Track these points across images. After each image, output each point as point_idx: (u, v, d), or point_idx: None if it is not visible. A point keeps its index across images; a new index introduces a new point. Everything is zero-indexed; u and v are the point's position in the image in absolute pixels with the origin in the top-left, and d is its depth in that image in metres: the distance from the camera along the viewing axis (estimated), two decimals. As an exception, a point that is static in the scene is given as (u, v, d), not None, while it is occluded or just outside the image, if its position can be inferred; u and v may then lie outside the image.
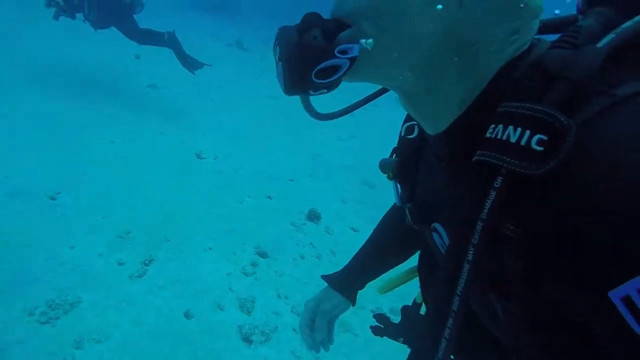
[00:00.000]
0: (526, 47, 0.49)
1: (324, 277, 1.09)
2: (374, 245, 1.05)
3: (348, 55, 0.48)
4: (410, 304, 1.05)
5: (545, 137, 0.38)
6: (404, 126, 0.73)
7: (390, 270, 1.06)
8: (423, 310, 0.98)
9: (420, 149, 0.70)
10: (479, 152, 0.44)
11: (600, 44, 0.41)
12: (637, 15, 0.42)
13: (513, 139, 0.41)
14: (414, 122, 0.71)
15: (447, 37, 0.47)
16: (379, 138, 5.11)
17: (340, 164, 4.58)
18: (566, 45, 0.43)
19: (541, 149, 0.38)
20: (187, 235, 2.80)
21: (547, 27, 0.53)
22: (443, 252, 0.65)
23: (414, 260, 1.03)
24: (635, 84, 0.39)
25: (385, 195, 2.09)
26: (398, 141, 0.75)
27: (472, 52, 0.48)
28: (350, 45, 0.48)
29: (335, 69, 0.49)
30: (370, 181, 4.27)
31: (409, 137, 0.72)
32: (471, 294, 0.45)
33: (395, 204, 1.01)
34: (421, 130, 0.60)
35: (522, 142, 0.40)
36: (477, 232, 0.43)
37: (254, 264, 2.71)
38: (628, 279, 0.33)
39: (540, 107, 0.39)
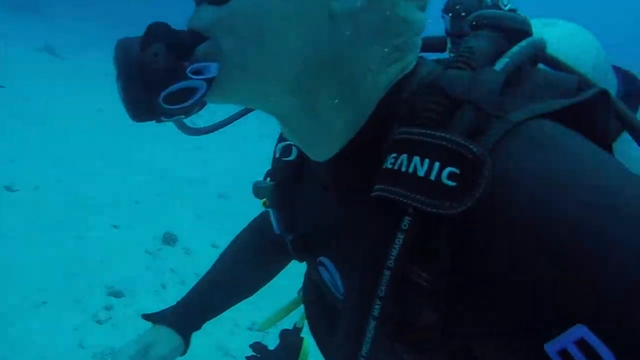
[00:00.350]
0: (412, 66, 0.46)
1: (148, 316, 0.86)
2: (225, 274, 0.89)
3: (203, 76, 0.41)
4: (291, 327, 0.99)
5: (457, 170, 0.34)
6: (279, 146, 0.66)
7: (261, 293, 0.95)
8: (304, 332, 0.90)
9: (300, 172, 0.64)
10: (378, 186, 0.39)
11: (497, 67, 0.39)
12: (517, 40, 0.43)
13: (420, 173, 0.35)
14: (291, 142, 0.64)
15: (318, 54, 0.42)
16: (226, 147, 5.00)
17: (190, 178, 4.30)
18: (463, 66, 0.40)
19: (453, 184, 0.34)
20: (5, 293, 2.24)
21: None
22: (332, 288, 0.60)
23: (292, 292, 0.97)
24: (526, 109, 0.38)
25: (242, 205, 2.03)
26: (272, 163, 0.68)
27: (350, 71, 0.44)
28: (205, 64, 0.41)
29: (190, 91, 0.41)
30: (224, 192, 4.14)
31: (286, 159, 0.64)
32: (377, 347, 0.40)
33: (252, 221, 0.93)
34: (301, 152, 0.55)
35: (432, 177, 0.35)
36: (384, 284, 0.37)
37: (107, 308, 2.35)
38: (562, 330, 0.30)
39: (449, 136, 0.35)
